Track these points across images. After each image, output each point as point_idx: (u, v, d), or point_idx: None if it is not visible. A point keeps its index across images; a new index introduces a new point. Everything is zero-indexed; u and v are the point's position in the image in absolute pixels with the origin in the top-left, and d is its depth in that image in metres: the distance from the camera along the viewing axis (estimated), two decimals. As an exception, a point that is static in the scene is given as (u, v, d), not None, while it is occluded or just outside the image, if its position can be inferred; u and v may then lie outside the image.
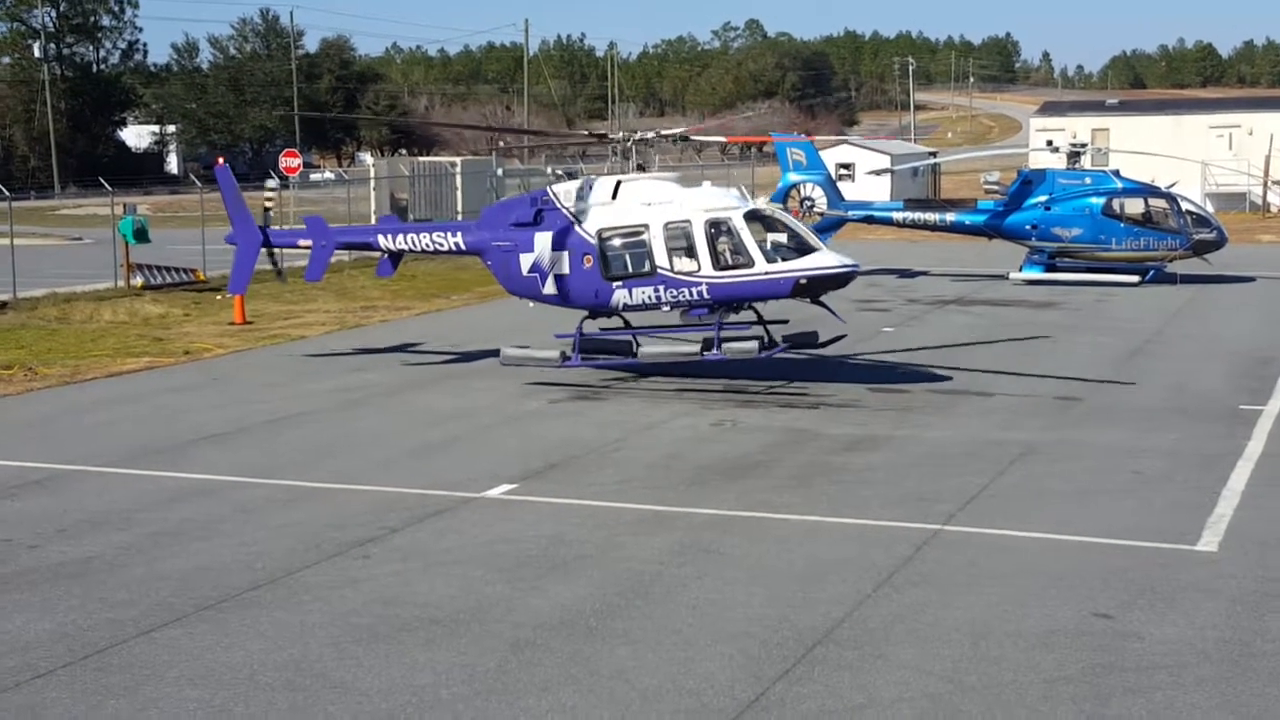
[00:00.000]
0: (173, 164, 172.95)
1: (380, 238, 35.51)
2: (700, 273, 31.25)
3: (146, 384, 33.87)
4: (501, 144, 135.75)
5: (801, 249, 31.34)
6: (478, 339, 39.67)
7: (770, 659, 15.34)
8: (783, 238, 31.63)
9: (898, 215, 57.40)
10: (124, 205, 57.60)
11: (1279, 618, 16.63)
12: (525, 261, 32.90)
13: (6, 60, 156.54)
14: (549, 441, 26.79)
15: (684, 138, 38.74)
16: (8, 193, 58.82)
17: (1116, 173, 55.20)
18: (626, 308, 32.36)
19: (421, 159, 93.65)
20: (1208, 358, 36.07)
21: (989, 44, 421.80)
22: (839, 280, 31.59)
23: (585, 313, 32.86)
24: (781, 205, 49.16)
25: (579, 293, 32.43)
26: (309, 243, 36.13)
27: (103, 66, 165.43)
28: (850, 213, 57.43)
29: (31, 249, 69.35)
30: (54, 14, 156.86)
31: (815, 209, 56.24)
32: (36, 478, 24.19)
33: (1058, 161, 57.38)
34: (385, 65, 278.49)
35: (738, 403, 30.57)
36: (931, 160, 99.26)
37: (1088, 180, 54.19)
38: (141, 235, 52.78)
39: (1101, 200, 53.45)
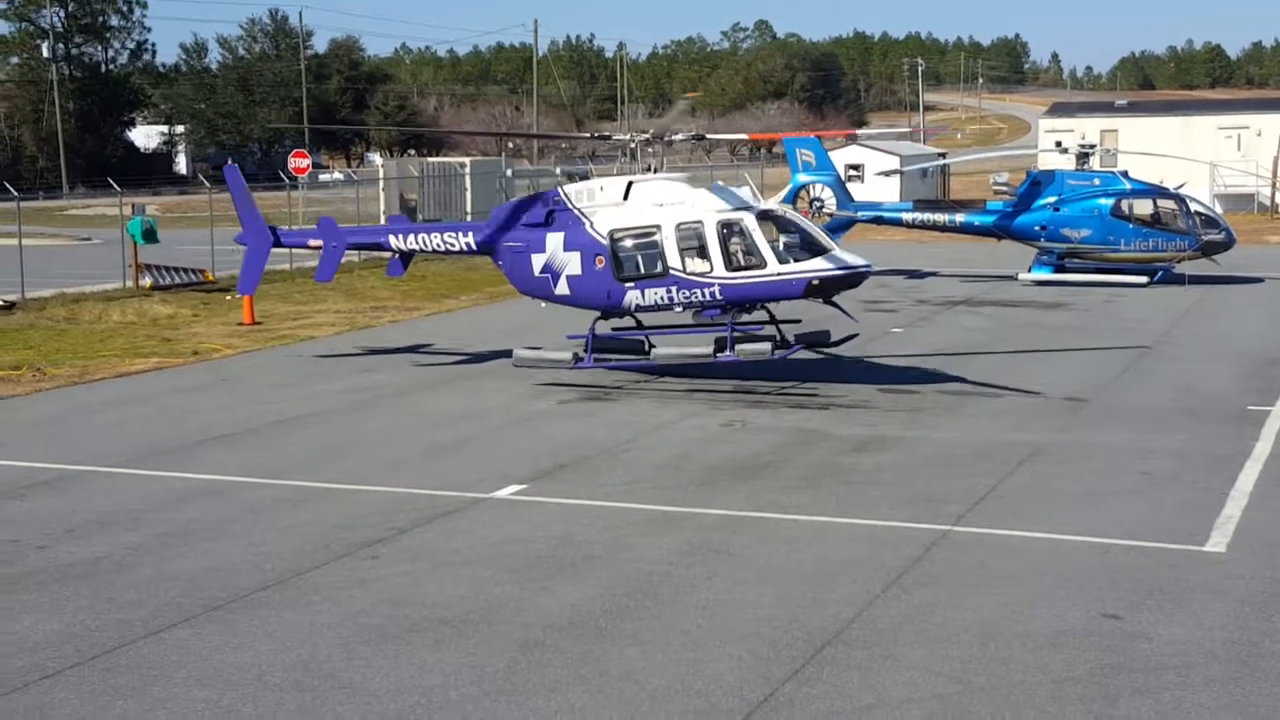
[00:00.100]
0: (181, 164, 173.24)
1: (391, 238, 35.53)
2: (713, 273, 31.23)
3: (155, 384, 33.89)
4: (511, 144, 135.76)
5: (814, 249, 31.30)
6: (488, 339, 39.68)
7: (779, 659, 15.33)
8: (795, 238, 31.61)
9: (907, 216, 57.43)
10: (133, 206, 57.64)
11: (1288, 619, 16.63)
12: (537, 262, 32.90)
13: (15, 60, 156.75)
14: (559, 442, 26.79)
15: (699, 137, 38.75)
16: (16, 193, 58.88)
17: (1125, 174, 55.22)
18: (639, 308, 32.35)
19: (431, 159, 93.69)
20: (1216, 358, 36.03)
21: (998, 45, 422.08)
22: (851, 281, 31.59)
23: (597, 313, 32.85)
24: (791, 206, 49.19)
25: (591, 293, 32.42)
26: (320, 243, 36.12)
27: (111, 67, 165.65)
28: (859, 213, 57.45)
29: (40, 249, 69.43)
30: (62, 14, 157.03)
31: (824, 210, 56.30)
32: (45, 478, 24.21)
33: (1067, 162, 57.40)
34: (394, 66, 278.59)
35: (747, 403, 30.57)
36: (941, 161, 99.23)
37: (1096, 181, 54.18)
38: (150, 236, 52.80)
39: (1110, 201, 53.42)
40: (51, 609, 17.22)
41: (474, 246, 34.28)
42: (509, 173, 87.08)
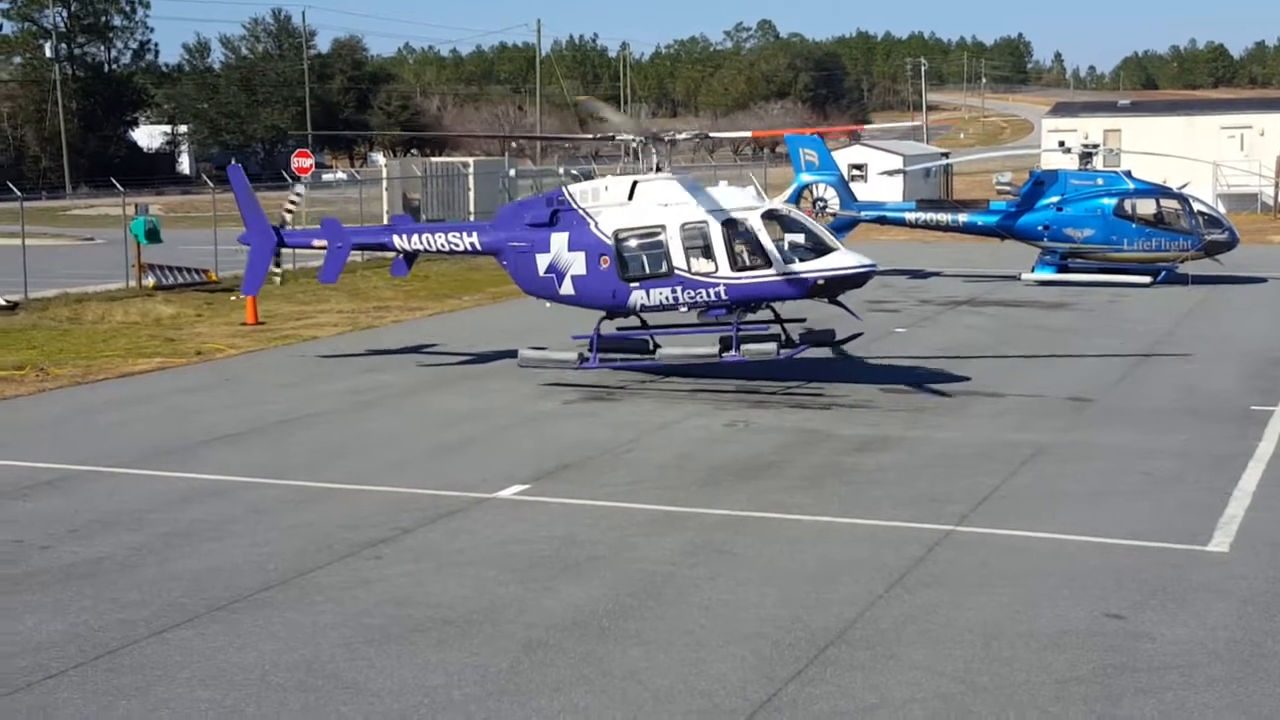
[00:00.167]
0: (185, 164, 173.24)
1: (395, 238, 35.44)
2: (718, 273, 31.23)
3: (158, 384, 33.90)
4: (514, 144, 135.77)
5: (819, 249, 31.31)
6: (491, 340, 39.68)
7: (782, 660, 15.34)
8: (800, 238, 31.60)
9: (910, 216, 57.43)
10: (136, 205, 57.69)
11: (1291, 619, 16.63)
12: (542, 262, 32.87)
13: (18, 60, 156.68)
14: (562, 442, 26.80)
15: (704, 136, 38.73)
16: (19, 193, 59.03)
17: (1128, 173, 55.18)
18: (644, 308, 32.34)
19: (434, 159, 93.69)
20: (1219, 358, 36.02)
21: (1001, 44, 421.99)
22: (857, 280, 31.60)
23: (603, 313, 32.85)
24: (795, 206, 49.19)
25: (596, 293, 32.40)
26: (324, 243, 36.05)
27: (114, 66, 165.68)
28: (863, 213, 57.48)
29: (43, 249, 69.44)
30: (65, 14, 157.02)
31: (828, 210, 56.26)
32: (48, 478, 24.22)
33: (1070, 162, 57.35)
34: (397, 65, 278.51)
35: (750, 403, 30.57)
36: (944, 161, 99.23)
37: (1100, 181, 54.17)
38: (153, 235, 52.84)
39: (1113, 201, 53.41)
40: (55, 609, 17.23)
41: (478, 247, 34.23)
42: (512, 173, 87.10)
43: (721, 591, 17.71)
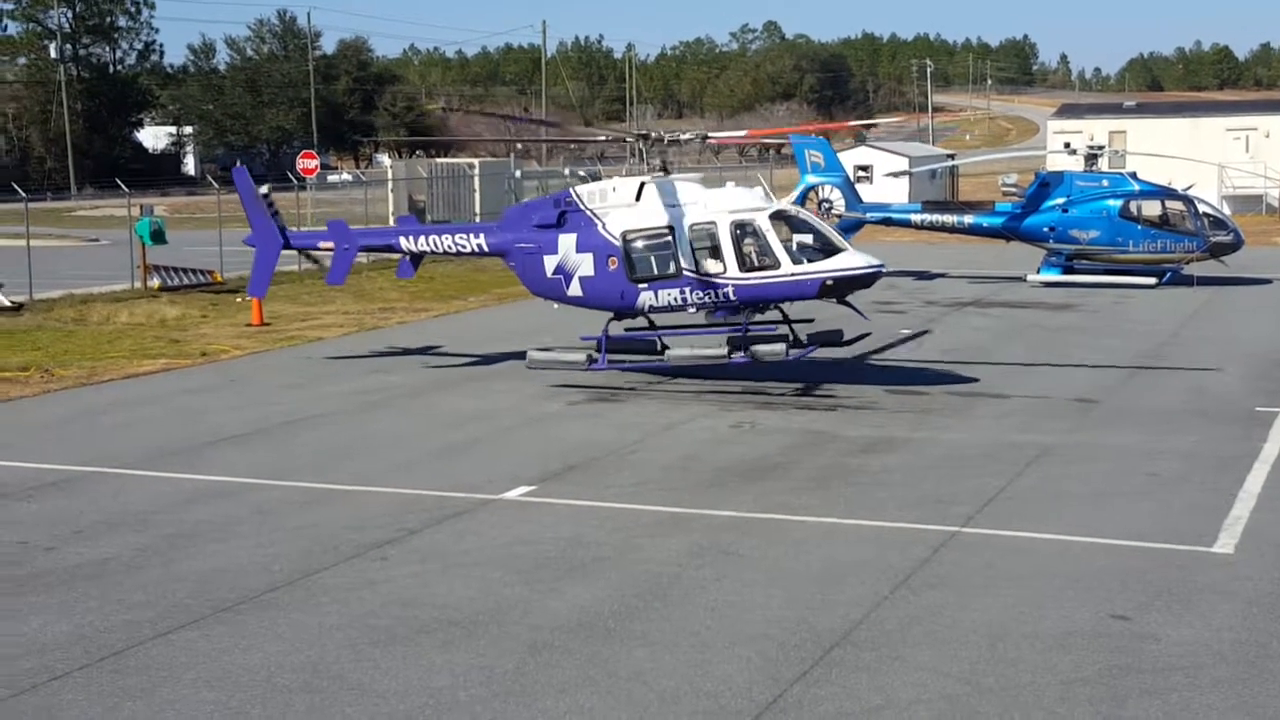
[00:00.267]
0: (190, 165, 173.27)
1: (402, 240, 35.37)
2: (726, 274, 31.20)
3: (163, 385, 33.91)
4: (520, 145, 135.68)
5: (827, 249, 31.29)
6: (496, 341, 39.69)
7: (788, 661, 15.34)
8: (808, 238, 31.57)
9: (916, 217, 57.43)
10: (141, 206, 57.69)
11: (1297, 620, 16.63)
12: (549, 263, 32.83)
13: (22, 61, 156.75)
14: (568, 443, 26.81)
15: (704, 138, 38.73)
16: (24, 194, 58.99)
17: (1134, 175, 55.14)
18: (652, 309, 32.30)
19: (439, 160, 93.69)
20: (1224, 359, 35.99)
21: (1006, 46, 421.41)
22: (865, 280, 31.58)
23: (610, 314, 32.84)
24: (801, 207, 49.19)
25: (604, 294, 32.36)
26: (330, 245, 36.01)
27: (119, 67, 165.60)
28: (868, 215, 57.46)
29: (48, 250, 69.42)
30: (70, 15, 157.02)
31: (833, 211, 56.27)
32: (53, 479, 24.23)
33: (1075, 164, 57.36)
34: (403, 66, 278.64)
35: (756, 404, 30.57)
36: (949, 162, 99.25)
37: (1105, 182, 54.17)
38: (158, 237, 52.84)
39: (1119, 202, 53.41)
40: (60, 610, 17.24)
41: (485, 248, 34.18)
42: (517, 174, 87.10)
43: (727, 593, 17.71)
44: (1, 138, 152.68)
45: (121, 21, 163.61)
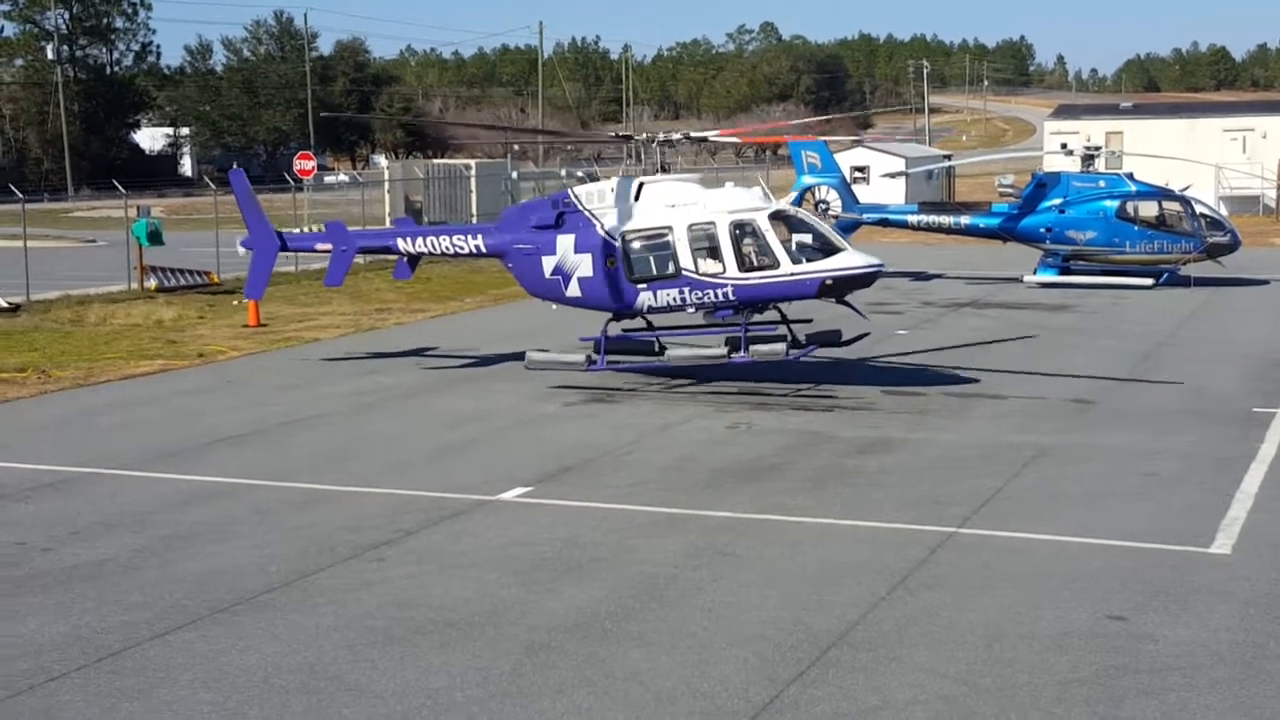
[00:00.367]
0: (187, 166, 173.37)
1: (400, 241, 35.31)
2: (725, 274, 31.18)
3: (160, 386, 33.90)
4: (517, 146, 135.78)
5: (826, 249, 31.27)
6: (493, 342, 39.70)
7: (784, 661, 15.34)
8: (807, 238, 31.55)
9: (912, 218, 57.46)
10: (138, 207, 57.63)
11: (1293, 621, 16.63)
12: (548, 264, 32.80)
13: (20, 62, 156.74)
14: (564, 444, 26.80)
15: (704, 139, 38.73)
16: (21, 195, 59.01)
17: (1130, 176, 55.16)
18: (651, 310, 32.28)
19: (436, 161, 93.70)
20: (1221, 360, 36.01)
21: (1003, 47, 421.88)
22: (865, 280, 31.57)
23: (609, 315, 32.83)
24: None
25: (603, 295, 32.33)
26: (328, 247, 35.95)
27: (116, 69, 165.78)
28: (865, 216, 57.51)
29: (45, 251, 69.49)
30: (67, 16, 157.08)
31: (830, 212, 56.21)
32: (50, 480, 24.22)
33: (1072, 164, 57.44)
34: (399, 68, 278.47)
35: (752, 405, 30.57)
36: (946, 163, 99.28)
37: (1102, 183, 54.18)
38: (155, 238, 52.85)
39: (1116, 203, 53.44)
40: (57, 611, 17.23)
41: (483, 249, 34.12)
42: (514, 175, 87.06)
43: (723, 593, 17.72)
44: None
45: (118, 23, 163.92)
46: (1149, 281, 52.96)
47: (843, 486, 23.30)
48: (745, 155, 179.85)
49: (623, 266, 31.85)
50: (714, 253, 31.31)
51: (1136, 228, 53.21)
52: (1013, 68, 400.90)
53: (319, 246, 36.65)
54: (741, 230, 31.26)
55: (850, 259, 31.16)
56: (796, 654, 15.54)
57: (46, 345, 39.92)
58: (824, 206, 56.57)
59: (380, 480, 23.90)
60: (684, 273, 31.43)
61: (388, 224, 62.35)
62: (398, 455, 26.01)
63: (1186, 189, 56.10)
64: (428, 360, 37.21)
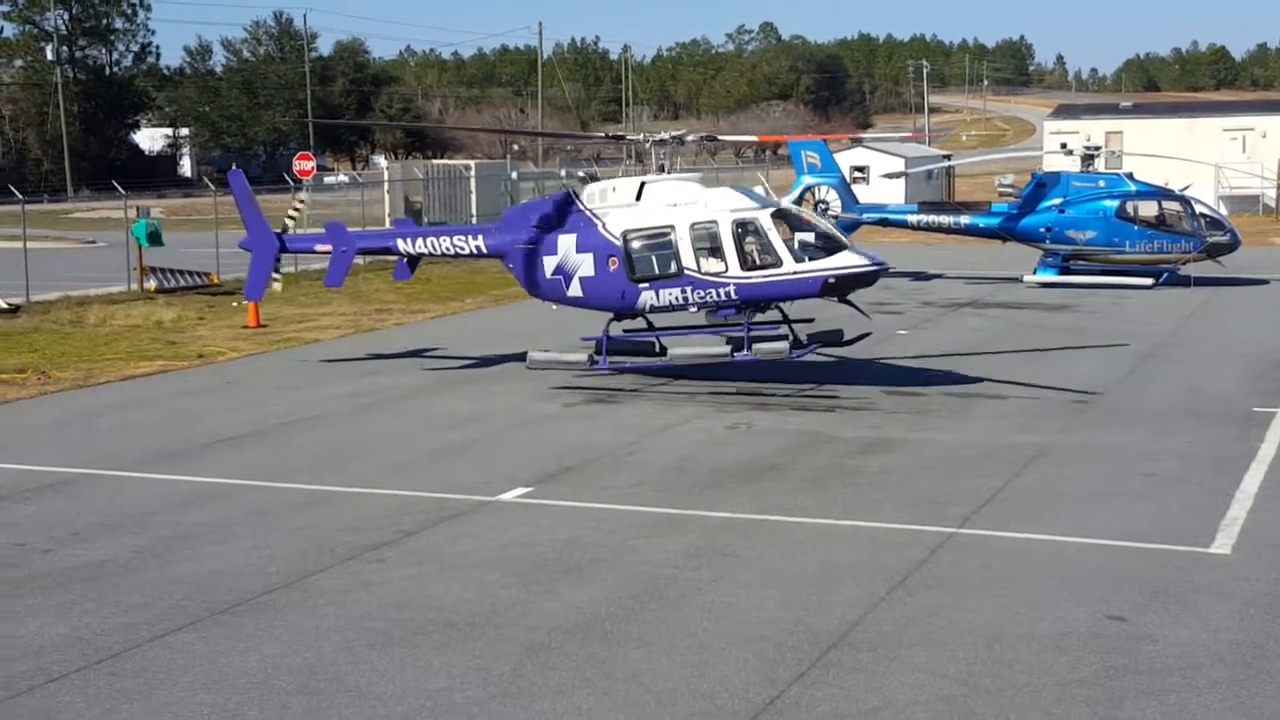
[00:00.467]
0: (186, 167, 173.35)
1: (400, 242, 35.30)
2: (728, 273, 31.16)
3: (160, 387, 33.90)
4: (516, 146, 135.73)
5: (829, 248, 31.25)
6: (493, 342, 39.68)
7: (785, 662, 15.34)
8: (810, 237, 31.50)
9: (912, 218, 57.46)
10: (137, 208, 57.62)
11: (1294, 621, 16.63)
12: (549, 264, 32.79)
13: (19, 63, 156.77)
14: (564, 445, 26.79)
15: (707, 138, 38.72)
16: (21, 196, 59.01)
17: (1130, 175, 55.14)
18: (653, 309, 32.26)
19: (436, 162, 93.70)
20: (1221, 360, 36.00)
21: (1003, 47, 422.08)
22: (868, 279, 31.55)
23: (611, 315, 32.81)
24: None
25: (605, 295, 32.32)
26: (328, 248, 35.92)
27: (115, 69, 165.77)
28: (865, 215, 57.49)
29: (45, 252, 69.49)
30: (66, 17, 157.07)
31: (830, 212, 56.15)
32: (49, 481, 24.22)
33: (1072, 164, 57.40)
34: (399, 68, 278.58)
35: (752, 405, 30.56)
36: (946, 163, 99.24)
37: (1102, 183, 54.16)
38: (155, 238, 52.87)
39: (1115, 203, 53.42)
40: (57, 612, 17.23)
41: (484, 250, 34.09)
42: (514, 175, 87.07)
43: (724, 594, 17.71)
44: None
45: (118, 23, 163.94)
46: (1149, 281, 52.96)
47: (843, 487, 23.29)
48: (745, 155, 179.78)
49: (624, 266, 31.84)
50: (716, 252, 31.28)
51: (1136, 227, 53.19)
52: (1012, 67, 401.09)
53: (319, 248, 36.64)
54: (744, 229, 31.24)
55: (853, 257, 31.15)
56: (797, 654, 15.53)
57: (46, 346, 39.92)
58: (824, 206, 56.54)
59: (380, 481, 23.89)
60: (686, 272, 31.41)
61: (387, 224, 62.33)
62: (398, 456, 26.00)
63: (1186, 189, 56.09)
64: (428, 361, 37.19)
